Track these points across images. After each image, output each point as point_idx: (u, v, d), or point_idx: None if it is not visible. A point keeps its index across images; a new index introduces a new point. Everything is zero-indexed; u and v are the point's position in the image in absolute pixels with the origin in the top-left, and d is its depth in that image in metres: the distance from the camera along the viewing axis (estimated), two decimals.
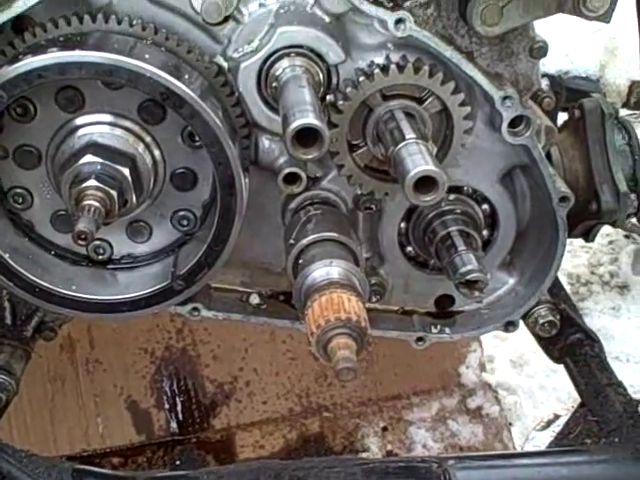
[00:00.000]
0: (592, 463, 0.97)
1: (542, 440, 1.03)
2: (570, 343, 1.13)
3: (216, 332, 1.69)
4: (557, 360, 1.16)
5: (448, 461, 0.93)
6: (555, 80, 1.16)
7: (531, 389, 1.92)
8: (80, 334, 1.66)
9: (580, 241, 2.23)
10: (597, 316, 2.03)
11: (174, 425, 1.69)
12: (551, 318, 1.10)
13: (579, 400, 1.81)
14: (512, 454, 1.08)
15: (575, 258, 2.19)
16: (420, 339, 1.11)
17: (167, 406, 1.69)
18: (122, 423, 1.68)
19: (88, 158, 0.88)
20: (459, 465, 0.93)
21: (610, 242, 2.21)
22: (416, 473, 0.91)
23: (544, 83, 1.13)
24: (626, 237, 2.15)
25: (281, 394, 1.72)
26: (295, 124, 0.77)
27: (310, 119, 0.77)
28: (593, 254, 2.18)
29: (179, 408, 1.70)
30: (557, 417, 1.07)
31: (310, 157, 0.80)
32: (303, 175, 0.97)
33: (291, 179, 0.97)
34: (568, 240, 2.43)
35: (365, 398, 1.74)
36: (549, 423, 1.06)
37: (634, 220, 1.28)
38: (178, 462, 1.69)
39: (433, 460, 0.93)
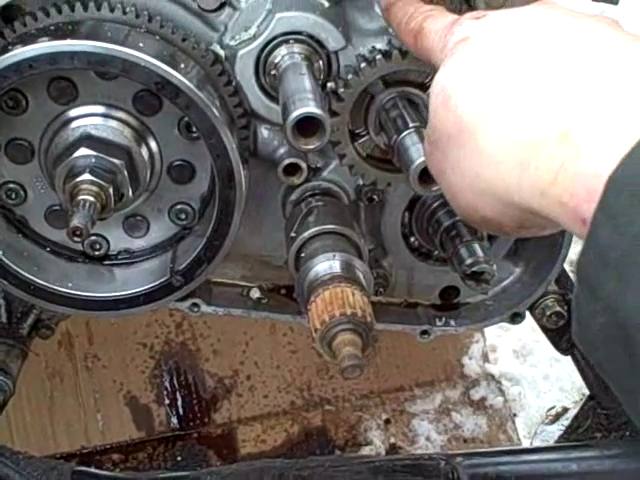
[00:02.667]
0: (602, 458, 0.95)
1: (551, 434, 1.01)
2: None
3: (216, 326, 1.68)
4: (564, 352, 1.14)
5: (456, 458, 0.91)
6: None
7: (535, 379, 1.91)
8: (78, 330, 1.65)
9: None
10: None
11: (175, 420, 1.68)
12: (558, 309, 1.08)
13: (583, 390, 1.80)
14: (520, 450, 1.06)
15: (576, 245, 2.17)
16: (424, 332, 1.09)
17: (167, 401, 1.68)
18: (122, 419, 1.67)
19: (82, 151, 0.86)
20: (467, 462, 0.91)
21: None
22: (423, 471, 0.89)
23: None
24: None
25: (282, 388, 1.71)
26: (295, 113, 0.74)
27: (311, 108, 0.75)
28: None
29: (179, 403, 1.69)
30: (566, 410, 1.06)
31: (311, 147, 0.78)
32: (304, 166, 0.94)
33: (291, 170, 0.94)
34: None
35: (367, 391, 1.73)
36: (558, 416, 1.04)
37: None
38: (179, 458, 1.69)
39: (441, 457, 0.91)
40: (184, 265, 0.92)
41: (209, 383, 1.70)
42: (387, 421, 1.72)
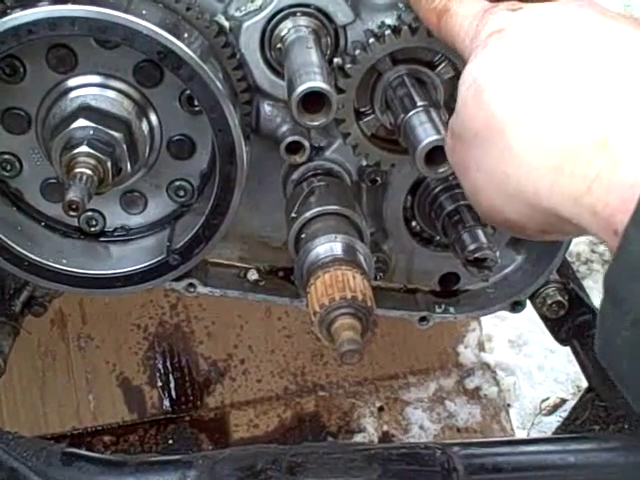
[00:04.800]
0: (600, 451, 0.93)
1: (548, 425, 1.00)
2: (578, 324, 1.10)
3: (211, 308, 1.66)
4: (563, 342, 1.13)
5: (452, 448, 0.90)
6: None
7: (529, 369, 1.90)
8: (72, 309, 1.64)
9: None
10: (597, 295, 1.99)
11: (167, 403, 1.67)
12: (559, 298, 1.07)
13: (577, 382, 1.79)
14: (518, 440, 1.05)
15: None
16: (423, 319, 1.07)
17: (160, 384, 1.67)
18: (114, 401, 1.66)
19: (80, 122, 0.83)
20: (463, 452, 0.90)
21: None
22: (419, 460, 0.87)
23: None
24: None
25: (276, 372, 1.70)
26: (302, 87, 0.72)
27: (318, 82, 0.72)
28: None
29: (172, 386, 1.68)
30: (564, 402, 1.04)
31: (317, 124, 0.75)
32: (306, 144, 0.92)
33: (294, 148, 0.92)
34: None
35: (361, 377, 1.72)
36: (555, 408, 1.03)
37: None
38: (171, 441, 1.67)
39: (437, 447, 0.89)
40: (181, 244, 0.90)
41: (202, 366, 1.68)
42: (381, 408, 1.71)
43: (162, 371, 1.67)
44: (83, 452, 0.83)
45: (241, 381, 1.68)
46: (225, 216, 0.87)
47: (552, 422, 1.00)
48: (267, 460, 0.87)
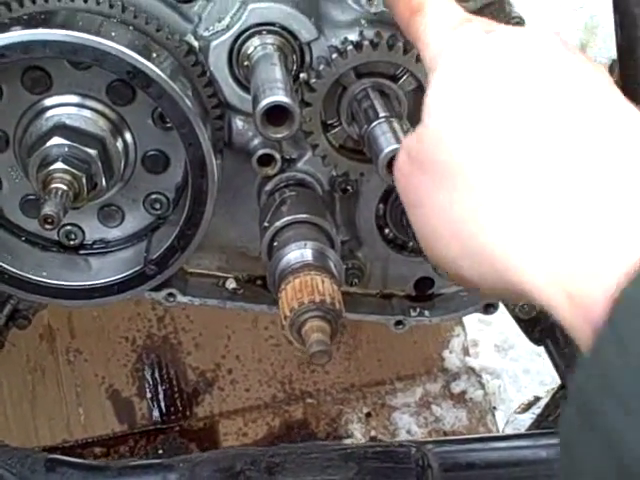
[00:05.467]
0: None
1: (522, 423, 1.02)
2: (551, 324, 1.12)
3: (198, 320, 1.68)
4: (537, 342, 1.16)
5: (427, 445, 0.93)
6: None
7: (515, 373, 1.92)
8: (60, 323, 1.65)
9: None
10: None
11: (156, 414, 1.68)
12: None
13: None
14: (490, 437, 1.08)
15: None
16: (399, 322, 1.10)
17: (149, 395, 1.68)
18: (104, 413, 1.68)
19: (55, 140, 0.86)
20: (437, 449, 0.92)
21: None
22: (394, 458, 0.90)
23: None
24: None
25: (264, 381, 1.71)
26: (264, 102, 0.75)
27: (280, 96, 0.75)
28: None
29: (161, 397, 1.69)
30: (538, 399, 1.07)
31: (281, 136, 0.78)
32: (277, 156, 0.95)
33: (265, 160, 0.95)
34: None
35: (348, 384, 1.73)
36: (530, 405, 1.05)
37: None
38: (161, 451, 1.69)
39: (412, 444, 0.92)
40: (157, 254, 0.93)
41: (191, 377, 1.70)
42: (368, 414, 1.73)
43: (151, 382, 1.69)
44: (66, 458, 0.86)
45: (229, 390, 1.70)
46: (199, 227, 0.90)
47: (526, 419, 1.02)
48: (246, 461, 0.89)
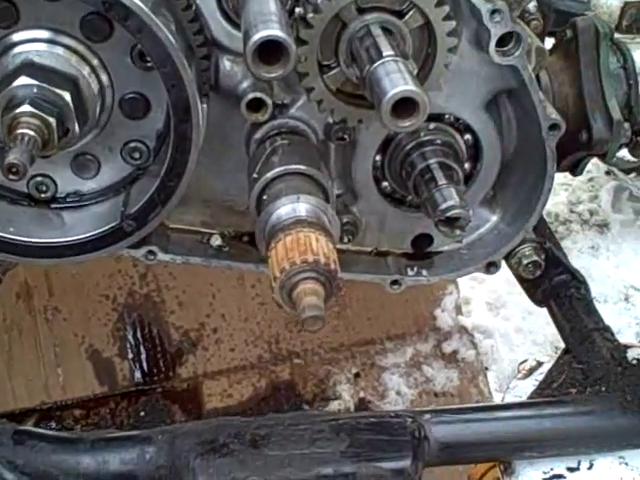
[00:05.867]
0: (576, 415, 0.91)
1: (524, 390, 0.97)
2: (555, 285, 1.07)
3: (181, 277, 1.62)
4: (540, 303, 1.10)
5: (424, 415, 0.87)
6: (543, 1, 1.07)
7: (507, 332, 1.89)
8: (37, 281, 1.59)
9: (560, 178, 2.18)
10: (576, 255, 1.99)
11: (138, 375, 1.64)
12: (536, 258, 1.04)
13: (555, 343, 1.78)
14: (491, 406, 1.03)
15: (554, 196, 2.14)
16: (395, 282, 1.04)
17: (131, 355, 1.63)
18: (84, 373, 1.63)
19: (23, 80, 0.79)
20: (435, 419, 0.87)
21: (590, 179, 2.15)
22: (389, 429, 0.85)
23: (532, 4, 1.05)
24: (607, 174, 2.09)
25: (250, 341, 1.67)
26: (257, 36, 0.68)
27: (274, 30, 0.68)
28: (572, 192, 2.13)
29: (143, 357, 1.64)
30: (540, 364, 1.02)
31: (274, 75, 0.71)
32: (269, 101, 0.88)
33: (255, 105, 0.88)
34: None
35: (337, 344, 1.69)
36: (531, 371, 1.00)
37: (619, 153, 1.21)
38: (142, 413, 1.65)
39: (407, 415, 0.87)
40: (136, 208, 0.86)
41: (174, 336, 1.65)
42: (357, 375, 1.69)
43: (133, 342, 1.64)
44: (36, 430, 0.79)
45: (214, 350, 1.65)
46: (181, 178, 0.83)
47: (528, 386, 0.98)
48: (229, 433, 0.84)
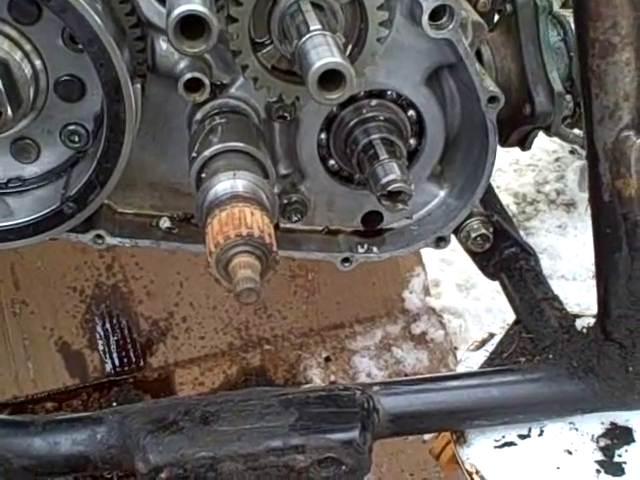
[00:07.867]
0: (524, 382, 0.92)
1: (475, 361, 0.98)
2: (505, 257, 1.07)
3: (148, 267, 1.62)
4: (492, 277, 1.11)
5: (373, 387, 0.88)
6: None
7: (477, 312, 1.89)
8: (3, 274, 1.58)
9: (527, 159, 2.18)
10: (543, 235, 1.99)
11: (109, 366, 1.63)
12: (484, 231, 1.04)
13: None
14: (440, 376, 1.04)
15: (521, 177, 2.14)
16: (346, 260, 1.04)
17: (101, 346, 1.63)
18: (54, 366, 1.62)
19: None
20: (385, 391, 0.88)
21: (556, 159, 2.15)
22: (338, 402, 0.85)
23: None
24: (571, 153, 2.10)
25: (219, 328, 1.66)
26: (177, 11, 0.68)
27: (194, 5, 0.68)
28: (539, 172, 2.13)
29: (113, 348, 1.64)
30: (492, 336, 1.02)
31: (197, 50, 0.71)
32: (206, 81, 0.87)
33: (193, 86, 0.87)
34: (514, 158, 2.35)
35: (307, 329, 1.69)
36: (483, 342, 1.01)
37: (576, 131, 1.21)
38: (115, 404, 1.64)
39: (357, 387, 0.87)
40: (75, 190, 0.85)
41: (143, 326, 1.64)
42: (327, 359, 1.69)
43: (102, 334, 1.63)
44: None
45: (184, 339, 1.65)
46: (118, 159, 0.83)
47: (480, 357, 0.98)
48: (179, 411, 0.84)
